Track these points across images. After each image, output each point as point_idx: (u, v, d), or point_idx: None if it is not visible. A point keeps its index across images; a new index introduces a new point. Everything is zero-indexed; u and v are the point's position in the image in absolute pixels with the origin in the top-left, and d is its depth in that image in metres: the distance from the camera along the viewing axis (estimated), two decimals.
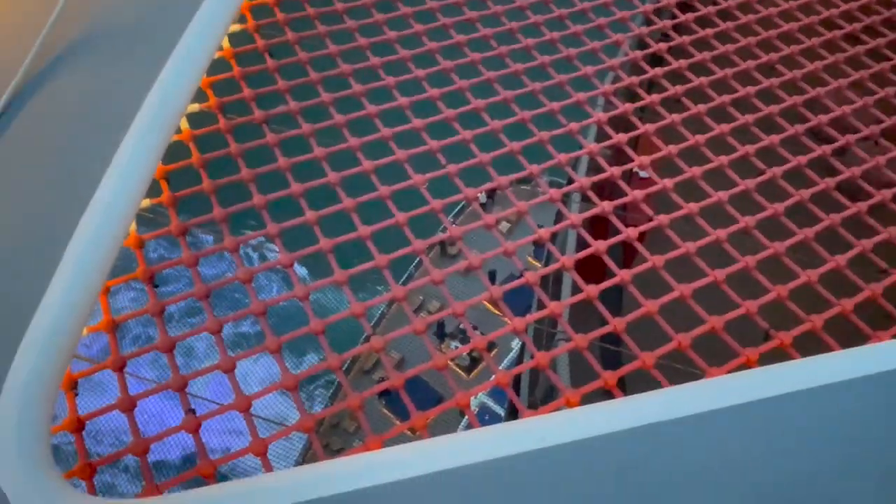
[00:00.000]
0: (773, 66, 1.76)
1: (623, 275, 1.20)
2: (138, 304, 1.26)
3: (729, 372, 1.02)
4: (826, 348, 1.07)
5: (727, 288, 1.20)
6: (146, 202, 1.29)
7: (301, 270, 1.55)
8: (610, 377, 1.09)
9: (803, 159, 1.45)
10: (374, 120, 1.55)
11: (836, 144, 1.52)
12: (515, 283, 1.28)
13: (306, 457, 11.06)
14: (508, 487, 0.78)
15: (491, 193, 5.41)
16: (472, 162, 1.44)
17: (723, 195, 1.34)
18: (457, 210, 11.40)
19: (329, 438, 11.46)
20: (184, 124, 1.43)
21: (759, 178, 1.41)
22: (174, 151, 1.38)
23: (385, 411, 10.17)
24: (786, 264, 1.25)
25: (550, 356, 1.15)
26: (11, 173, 1.31)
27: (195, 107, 1.47)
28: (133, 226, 1.25)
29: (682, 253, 1.23)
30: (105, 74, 1.48)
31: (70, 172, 1.28)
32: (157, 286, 1.28)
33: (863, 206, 1.34)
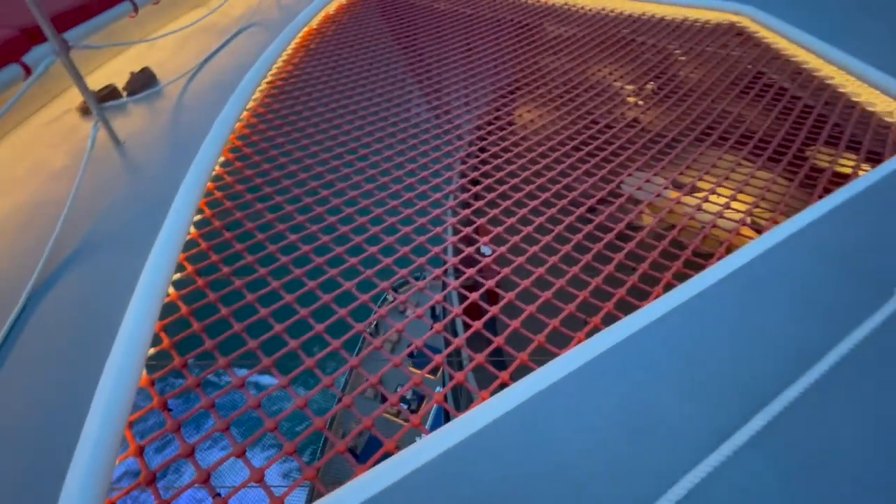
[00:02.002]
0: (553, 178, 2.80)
1: (495, 310, 1.88)
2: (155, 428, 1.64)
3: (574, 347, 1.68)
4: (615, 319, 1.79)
5: (556, 301, 1.93)
6: (151, 350, 1.75)
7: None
8: (504, 375, 1.69)
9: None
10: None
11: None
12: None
13: None
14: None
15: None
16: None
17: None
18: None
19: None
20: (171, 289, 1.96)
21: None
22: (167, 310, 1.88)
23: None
24: (579, 283, 2.03)
25: (464, 374, 1.74)
26: (40, 348, 1.70)
27: (177, 275, 2.02)
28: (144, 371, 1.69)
29: (523, 287, 1.96)
30: (106, 267, 1.98)
31: (88, 342, 1.71)
32: (170, 410, 1.68)
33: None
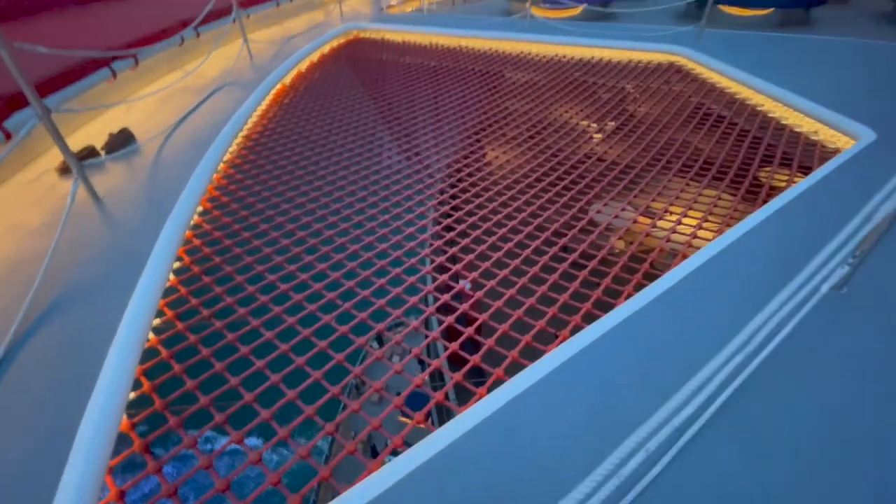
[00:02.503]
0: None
1: (470, 332, 1.97)
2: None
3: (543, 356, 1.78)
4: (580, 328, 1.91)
5: (527, 318, 2.04)
6: (132, 395, 1.76)
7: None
8: (482, 389, 1.76)
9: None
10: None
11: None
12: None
13: None
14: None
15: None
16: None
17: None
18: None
19: None
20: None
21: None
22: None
23: None
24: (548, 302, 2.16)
25: (443, 393, 1.80)
26: (16, 402, 1.69)
27: (157, 321, 2.06)
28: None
29: (496, 308, 2.07)
30: (86, 317, 2.01)
31: (68, 388, 1.71)
32: (152, 453, 1.68)
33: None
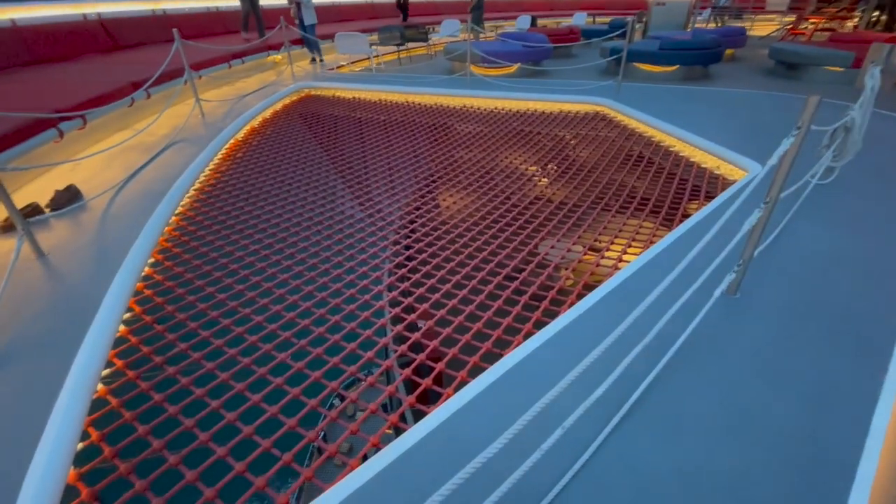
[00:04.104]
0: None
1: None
2: None
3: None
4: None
5: (474, 342, 2.20)
6: (80, 445, 1.73)
7: None
8: (433, 408, 1.87)
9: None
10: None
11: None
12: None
13: None
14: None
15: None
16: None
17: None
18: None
19: None
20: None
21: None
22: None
23: None
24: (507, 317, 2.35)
25: (398, 414, 1.90)
26: None
27: (107, 371, 2.04)
28: None
29: (446, 335, 2.22)
30: (29, 371, 1.96)
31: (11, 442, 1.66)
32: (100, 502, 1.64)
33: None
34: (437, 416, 1.64)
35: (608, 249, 3.07)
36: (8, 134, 3.44)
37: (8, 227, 3.01)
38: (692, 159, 4.47)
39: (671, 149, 4.74)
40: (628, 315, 1.40)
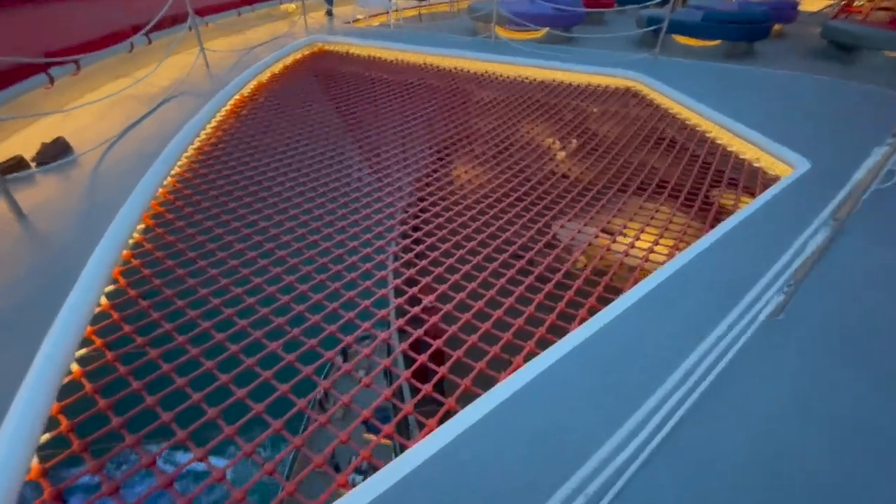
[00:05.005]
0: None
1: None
2: None
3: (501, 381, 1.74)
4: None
5: (482, 344, 2.01)
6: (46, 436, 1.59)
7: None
8: (432, 422, 1.70)
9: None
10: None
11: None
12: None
13: None
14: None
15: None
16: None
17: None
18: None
19: None
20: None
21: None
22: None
23: None
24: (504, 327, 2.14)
25: (391, 426, 1.73)
26: None
27: (82, 351, 1.89)
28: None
29: (451, 333, 2.02)
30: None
31: None
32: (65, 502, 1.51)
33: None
34: (440, 435, 1.47)
35: (638, 239, 2.82)
36: None
37: None
38: (729, 148, 4.10)
39: (707, 134, 4.36)
40: (654, 335, 1.18)
